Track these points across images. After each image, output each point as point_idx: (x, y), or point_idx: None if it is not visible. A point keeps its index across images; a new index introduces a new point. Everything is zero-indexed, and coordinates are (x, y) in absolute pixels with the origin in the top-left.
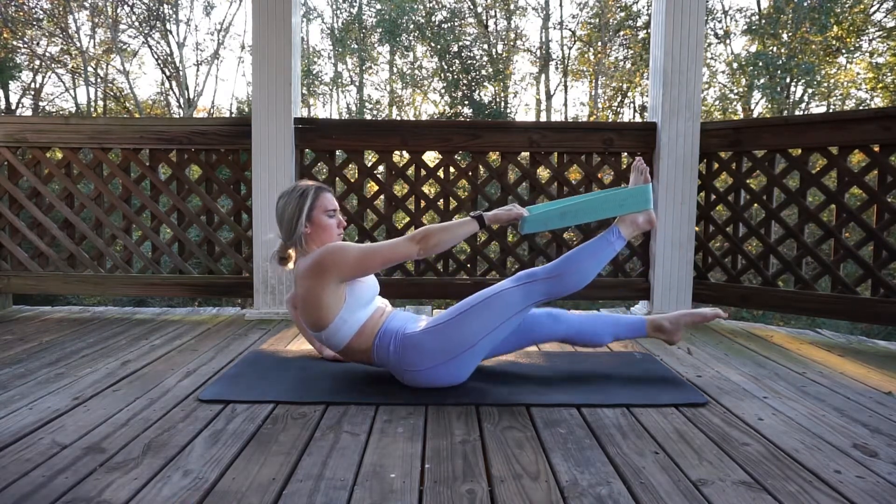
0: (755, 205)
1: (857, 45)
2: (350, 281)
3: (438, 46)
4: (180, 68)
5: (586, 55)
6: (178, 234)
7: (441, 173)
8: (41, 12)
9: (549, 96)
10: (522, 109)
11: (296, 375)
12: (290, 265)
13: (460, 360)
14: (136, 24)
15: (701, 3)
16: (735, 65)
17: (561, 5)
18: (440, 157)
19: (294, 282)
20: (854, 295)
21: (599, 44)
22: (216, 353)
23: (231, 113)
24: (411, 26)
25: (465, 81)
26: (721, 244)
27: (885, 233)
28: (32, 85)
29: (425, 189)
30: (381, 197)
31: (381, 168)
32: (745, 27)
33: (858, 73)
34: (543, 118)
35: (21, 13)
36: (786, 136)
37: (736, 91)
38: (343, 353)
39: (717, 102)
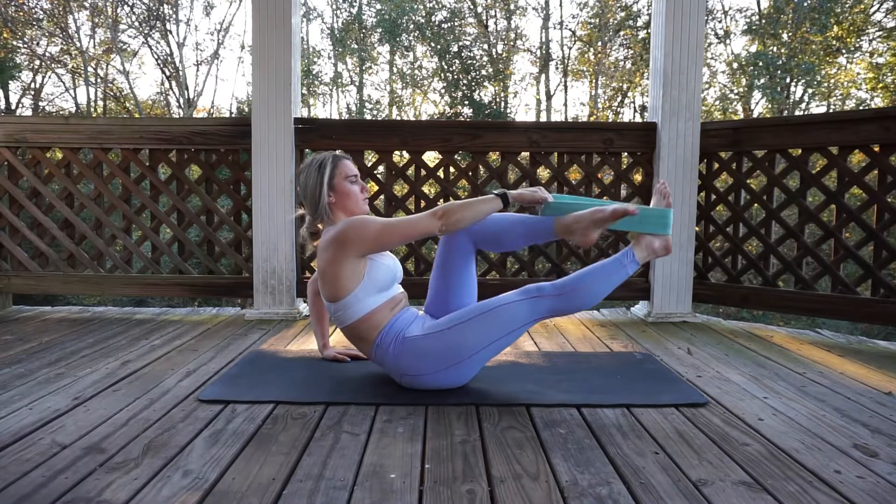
0: (755, 205)
1: (857, 45)
2: (370, 254)
3: (438, 46)
4: (180, 68)
5: (586, 55)
6: (178, 234)
7: (441, 173)
8: (41, 12)
9: (549, 96)
10: (522, 109)
11: (296, 375)
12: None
13: (459, 368)
14: (136, 24)
15: (701, 3)
16: (735, 65)
17: (561, 5)
18: (440, 157)
19: (317, 254)
20: (854, 295)
21: (599, 44)
22: (216, 353)
23: (231, 113)
24: (411, 26)
25: (465, 81)
26: (721, 244)
27: (885, 233)
28: (32, 85)
29: (425, 189)
30: (381, 197)
31: (381, 168)
32: (745, 27)
33: (858, 73)
34: (543, 118)
35: (21, 13)
36: (786, 136)
37: (736, 91)
38: (347, 331)
39: (717, 102)
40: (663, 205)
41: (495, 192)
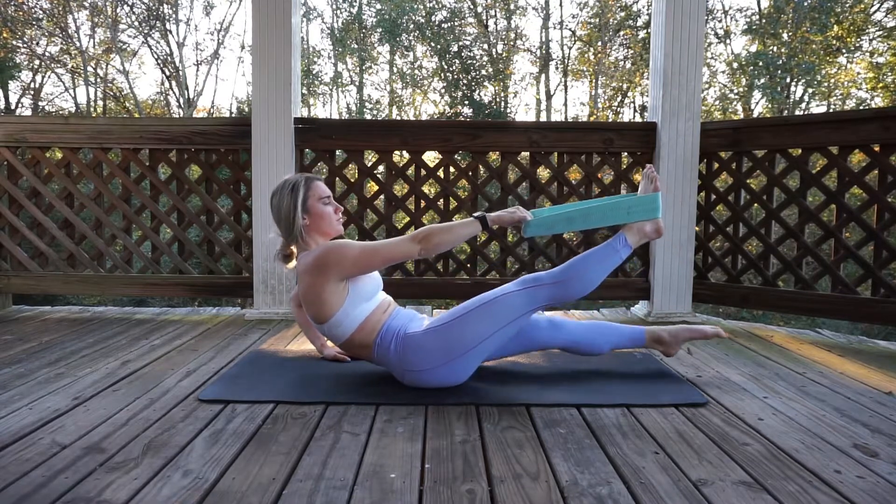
0: (755, 205)
1: (857, 44)
2: (350, 278)
3: (438, 46)
4: (180, 68)
5: (586, 55)
6: (178, 234)
7: (441, 173)
8: (41, 12)
9: (549, 96)
10: (522, 109)
11: (296, 375)
12: (293, 262)
13: (461, 361)
14: (136, 23)
15: (701, 3)
16: (735, 65)
17: (561, 5)
18: (440, 157)
19: (296, 278)
20: (854, 295)
21: (599, 44)
22: (216, 353)
23: (231, 113)
24: (411, 26)
25: (465, 81)
26: (721, 244)
27: (886, 233)
28: (32, 85)
29: (425, 189)
30: (381, 197)
31: (381, 168)
32: (745, 27)
33: (859, 73)
34: (543, 118)
35: (21, 13)
36: (786, 135)
37: (736, 91)
38: (344, 346)
39: (717, 102)
40: (651, 189)
41: (475, 215)
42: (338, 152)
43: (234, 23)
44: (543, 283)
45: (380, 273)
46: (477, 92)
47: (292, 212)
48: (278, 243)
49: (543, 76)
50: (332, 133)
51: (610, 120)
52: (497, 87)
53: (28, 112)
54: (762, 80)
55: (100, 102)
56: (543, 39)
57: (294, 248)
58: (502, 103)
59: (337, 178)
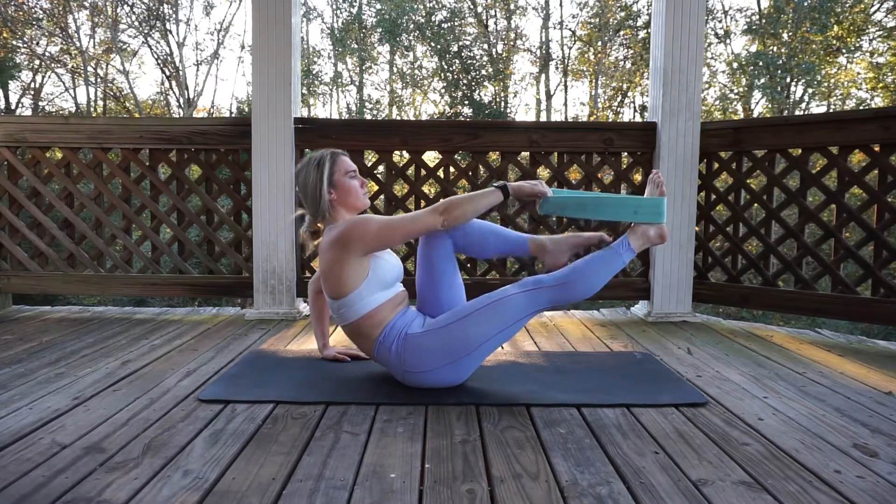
0: (755, 205)
1: (857, 44)
2: (373, 253)
3: (438, 46)
4: (180, 68)
5: (586, 55)
6: (178, 234)
7: (441, 173)
8: (41, 12)
9: (549, 96)
10: (522, 109)
11: (296, 375)
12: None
13: (461, 363)
14: (136, 23)
15: (701, 3)
16: (735, 65)
17: (561, 5)
18: (440, 156)
19: (319, 255)
20: (854, 295)
21: (599, 44)
22: (216, 353)
23: (231, 113)
24: (411, 26)
25: (465, 81)
26: (721, 244)
27: (886, 233)
28: (32, 85)
29: (425, 189)
30: (381, 197)
31: (381, 168)
32: (745, 27)
33: (858, 73)
34: (543, 118)
35: (21, 13)
36: (786, 135)
37: (736, 91)
38: (349, 329)
39: (717, 102)
40: (657, 194)
41: (495, 184)
42: None
43: (234, 23)
44: (545, 286)
45: None
46: (477, 92)
47: (319, 186)
48: (304, 223)
49: (543, 76)
50: (332, 133)
51: (610, 120)
52: (497, 87)
53: (28, 112)
54: (762, 80)
55: (100, 102)
56: (543, 39)
57: (321, 225)
58: (502, 103)
59: None
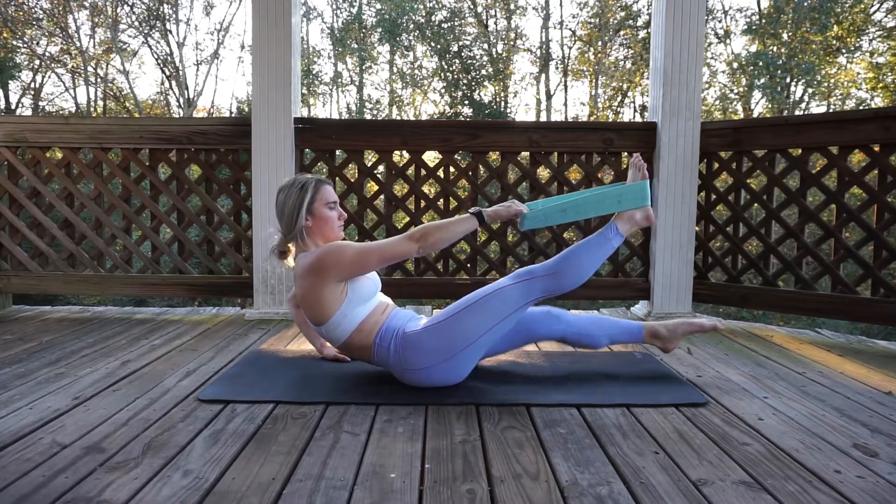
0: (755, 205)
1: (857, 44)
2: (349, 279)
3: (438, 46)
4: (180, 68)
5: (586, 55)
6: (178, 234)
7: (441, 173)
8: (41, 12)
9: (549, 96)
10: (522, 109)
11: (296, 375)
12: (290, 260)
13: (460, 357)
14: (136, 23)
15: (701, 3)
16: (735, 65)
17: (561, 5)
18: (440, 156)
19: (294, 280)
20: (854, 295)
21: (599, 44)
22: (216, 353)
23: (231, 113)
24: (411, 26)
25: (465, 81)
26: (721, 244)
27: (885, 233)
28: (32, 85)
29: (425, 189)
30: (381, 197)
31: (381, 168)
32: (745, 27)
33: (858, 73)
34: (543, 118)
35: (21, 13)
36: (786, 135)
37: (736, 91)
38: (343, 348)
39: (717, 102)
40: (639, 178)
41: (470, 211)
42: (338, 152)
43: (234, 23)
44: (537, 276)
45: (379, 274)
46: (477, 92)
47: (296, 211)
48: (275, 239)
49: (543, 76)
50: (332, 133)
51: (610, 120)
52: (497, 87)
53: (28, 112)
54: (762, 80)
55: (100, 102)
56: (543, 39)
57: (291, 246)
58: (502, 103)
59: (337, 178)
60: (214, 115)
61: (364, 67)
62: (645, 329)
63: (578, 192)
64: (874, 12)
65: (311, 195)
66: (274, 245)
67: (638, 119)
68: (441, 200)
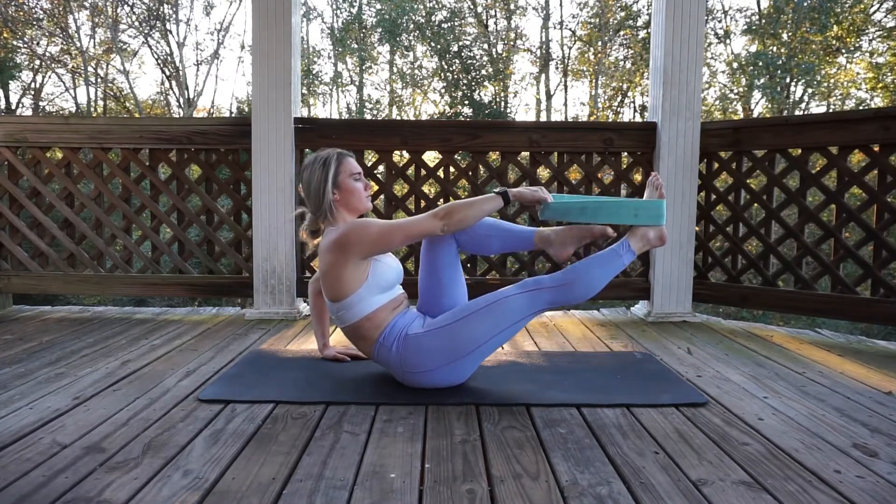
0: (755, 205)
1: (857, 44)
2: (373, 257)
3: (438, 46)
4: (180, 68)
5: (586, 55)
6: (178, 234)
7: (441, 173)
8: (41, 12)
9: (549, 96)
10: (522, 109)
11: (296, 375)
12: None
13: (462, 363)
14: (136, 23)
15: (701, 3)
16: (735, 65)
17: (561, 5)
18: (440, 156)
19: (318, 256)
20: (854, 295)
21: (599, 44)
22: (216, 353)
23: (231, 113)
24: (411, 26)
25: (465, 81)
26: (721, 244)
27: (885, 233)
28: (32, 85)
29: (425, 189)
30: (382, 197)
31: (381, 168)
32: (745, 27)
33: (858, 73)
34: (543, 118)
35: (21, 13)
36: (786, 135)
37: (736, 91)
38: (349, 331)
39: (717, 102)
40: (656, 196)
41: (496, 190)
42: None
43: (234, 23)
44: (545, 287)
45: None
46: (477, 92)
47: (323, 186)
48: (305, 221)
49: (543, 76)
50: (332, 133)
51: (610, 120)
52: (497, 87)
53: (28, 112)
54: (762, 80)
55: (100, 102)
56: (543, 39)
57: (322, 225)
58: (502, 103)
59: None
60: (214, 115)
61: (364, 67)
62: (536, 234)
63: (599, 197)
64: (874, 12)
65: (336, 168)
66: (305, 225)
67: (638, 119)
68: (441, 200)
